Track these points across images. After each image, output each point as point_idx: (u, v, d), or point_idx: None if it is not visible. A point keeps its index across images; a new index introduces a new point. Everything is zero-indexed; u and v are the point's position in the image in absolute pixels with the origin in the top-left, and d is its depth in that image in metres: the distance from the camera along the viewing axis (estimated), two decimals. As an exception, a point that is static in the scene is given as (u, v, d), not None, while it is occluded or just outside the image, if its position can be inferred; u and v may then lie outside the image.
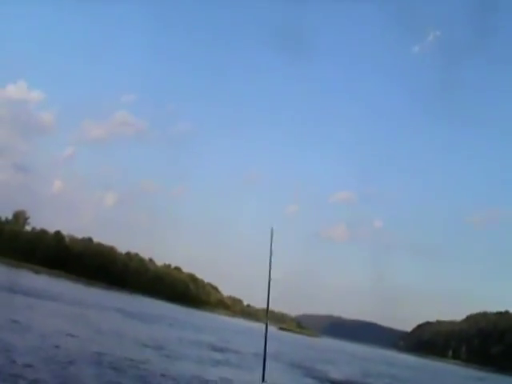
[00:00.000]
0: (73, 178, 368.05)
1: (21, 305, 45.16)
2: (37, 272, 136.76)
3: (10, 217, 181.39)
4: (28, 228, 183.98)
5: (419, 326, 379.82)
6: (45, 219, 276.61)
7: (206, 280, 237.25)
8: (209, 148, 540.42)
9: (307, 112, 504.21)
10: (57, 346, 25.55)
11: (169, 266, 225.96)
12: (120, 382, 20.59)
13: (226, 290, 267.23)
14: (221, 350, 46.84)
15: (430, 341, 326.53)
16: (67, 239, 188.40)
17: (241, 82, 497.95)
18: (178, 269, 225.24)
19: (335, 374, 45.77)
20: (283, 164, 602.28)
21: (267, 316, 4.80)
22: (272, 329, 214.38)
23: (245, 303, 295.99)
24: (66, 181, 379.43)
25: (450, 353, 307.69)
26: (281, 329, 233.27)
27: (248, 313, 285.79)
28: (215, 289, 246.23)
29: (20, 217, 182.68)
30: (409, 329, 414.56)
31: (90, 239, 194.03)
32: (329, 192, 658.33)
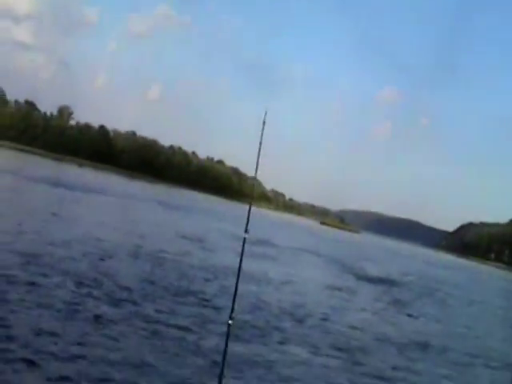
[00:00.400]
0: (116, 72, 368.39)
1: (64, 198, 45.77)
2: (81, 165, 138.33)
3: (54, 112, 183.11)
4: (72, 123, 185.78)
5: (462, 227, 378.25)
6: (89, 114, 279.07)
7: (249, 174, 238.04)
8: (252, 44, 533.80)
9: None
10: (97, 239, 25.88)
11: (212, 159, 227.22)
12: (158, 273, 20.87)
13: (269, 184, 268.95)
14: (260, 243, 47.28)
15: (473, 242, 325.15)
16: (111, 133, 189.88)
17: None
18: (221, 162, 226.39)
19: (374, 271, 45.97)
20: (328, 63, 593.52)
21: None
22: (314, 223, 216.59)
23: (287, 197, 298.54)
24: (109, 76, 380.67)
25: (493, 255, 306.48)
26: (322, 223, 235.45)
27: (290, 206, 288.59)
28: (258, 182, 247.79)
29: (64, 112, 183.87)
30: (451, 229, 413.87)
31: (133, 133, 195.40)
32: (375, 90, 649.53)
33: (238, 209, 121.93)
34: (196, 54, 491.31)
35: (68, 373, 9.51)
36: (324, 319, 20.38)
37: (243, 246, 5.76)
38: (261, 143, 5.81)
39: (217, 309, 17.03)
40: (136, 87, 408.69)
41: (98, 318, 13.19)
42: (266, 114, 5.67)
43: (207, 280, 22.02)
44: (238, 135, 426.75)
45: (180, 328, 13.96)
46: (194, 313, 15.96)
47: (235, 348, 13.11)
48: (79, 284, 16.04)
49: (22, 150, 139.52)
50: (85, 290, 15.48)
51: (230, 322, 5.67)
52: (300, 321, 19.03)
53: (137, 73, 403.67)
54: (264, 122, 5.71)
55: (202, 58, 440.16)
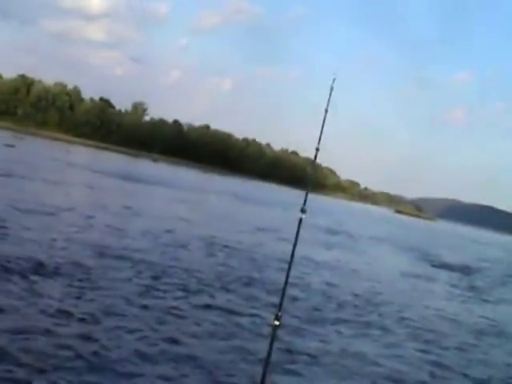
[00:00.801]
0: (189, 66, 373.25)
1: (137, 192, 46.73)
2: (155, 160, 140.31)
3: (129, 108, 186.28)
4: (147, 118, 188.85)
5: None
6: (163, 109, 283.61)
7: (324, 164, 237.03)
8: (325, 33, 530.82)
9: None
10: (169, 230, 26.19)
11: (286, 150, 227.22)
12: (231, 263, 20.92)
13: (344, 174, 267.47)
14: (337, 232, 47.12)
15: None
16: (185, 127, 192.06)
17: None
18: (295, 153, 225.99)
19: (450, 259, 45.09)
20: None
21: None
22: (389, 212, 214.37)
23: (362, 186, 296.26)
24: (182, 70, 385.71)
25: None
26: (397, 212, 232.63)
27: (366, 196, 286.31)
28: (333, 172, 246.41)
29: (139, 108, 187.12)
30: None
31: (207, 126, 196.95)
32: (448, 73, 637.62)
33: (313, 200, 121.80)
34: (268, 44, 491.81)
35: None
36: (401, 306, 20.13)
37: (298, 228, 5.02)
38: (327, 111, 5.42)
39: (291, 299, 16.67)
40: (209, 80, 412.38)
41: (172, 308, 13.29)
42: (334, 80, 5.34)
43: (279, 269, 21.90)
44: (313, 125, 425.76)
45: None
46: (263, 303, 15.77)
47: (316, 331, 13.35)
48: (153, 275, 16.26)
49: (97, 147, 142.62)
50: (158, 281, 15.67)
51: (276, 323, 4.74)
52: (376, 308, 18.82)
53: (209, 66, 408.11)
54: (332, 88, 5.35)
55: (274, 49, 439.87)
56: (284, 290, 4.88)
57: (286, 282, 4.89)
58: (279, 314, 4.71)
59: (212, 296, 15.43)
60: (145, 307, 12.90)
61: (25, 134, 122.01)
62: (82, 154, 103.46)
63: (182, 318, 12.81)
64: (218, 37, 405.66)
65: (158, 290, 14.77)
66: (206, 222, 34.49)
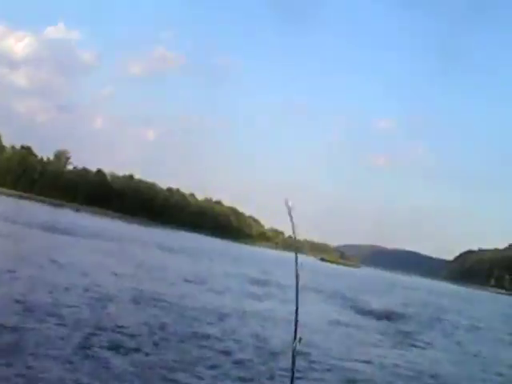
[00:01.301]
0: (114, 115, 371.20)
1: (60, 244, 45.42)
2: (78, 210, 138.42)
3: (51, 156, 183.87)
4: (70, 167, 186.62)
5: (461, 255, 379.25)
6: (86, 158, 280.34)
7: (248, 213, 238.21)
8: (248, 81, 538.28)
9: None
10: (96, 284, 25.56)
11: (210, 200, 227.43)
12: (160, 316, 20.59)
13: (268, 222, 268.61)
14: (263, 283, 46.90)
15: (473, 269, 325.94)
16: (109, 177, 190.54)
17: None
18: (219, 203, 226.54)
19: (376, 305, 45.52)
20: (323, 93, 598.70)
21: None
22: (313, 260, 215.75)
23: (286, 235, 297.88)
24: (106, 118, 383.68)
25: (493, 281, 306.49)
26: (322, 259, 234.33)
27: (290, 244, 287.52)
28: (257, 221, 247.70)
29: (61, 156, 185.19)
30: (451, 257, 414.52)
31: (131, 176, 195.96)
32: (371, 119, 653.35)
33: (237, 250, 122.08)
34: (192, 93, 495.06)
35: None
36: (331, 356, 20.01)
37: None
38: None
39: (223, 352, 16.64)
40: (133, 129, 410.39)
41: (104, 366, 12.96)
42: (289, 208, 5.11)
43: (211, 323, 21.56)
44: (235, 174, 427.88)
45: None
46: (201, 358, 15.51)
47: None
48: (83, 331, 15.82)
49: (20, 196, 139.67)
50: (89, 338, 15.26)
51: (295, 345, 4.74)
52: (308, 357, 18.53)
53: (133, 115, 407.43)
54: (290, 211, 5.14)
55: (199, 97, 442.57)
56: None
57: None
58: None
59: (144, 353, 15.07)
60: (76, 369, 12.41)
61: None
62: (3, 203, 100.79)
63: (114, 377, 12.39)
64: (143, 85, 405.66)
65: (89, 348, 14.29)
66: (133, 274, 33.76)
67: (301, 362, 17.56)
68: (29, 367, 11.81)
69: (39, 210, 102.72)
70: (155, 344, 16.34)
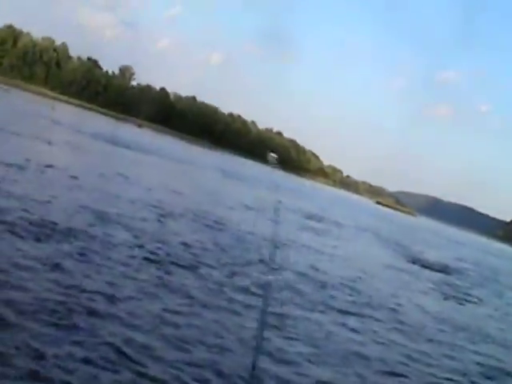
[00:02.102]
0: (180, 36, 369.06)
1: (124, 157, 45.73)
2: (140, 126, 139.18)
3: (116, 71, 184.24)
4: (134, 83, 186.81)
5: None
6: (150, 75, 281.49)
7: (307, 148, 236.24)
8: (316, 15, 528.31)
9: None
10: (160, 201, 25.42)
11: (271, 130, 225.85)
12: (220, 238, 20.80)
13: (327, 159, 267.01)
14: (320, 219, 46.10)
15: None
16: (172, 96, 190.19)
17: None
18: (279, 133, 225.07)
19: (430, 256, 44.31)
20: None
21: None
22: (369, 202, 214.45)
23: (344, 174, 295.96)
24: (173, 38, 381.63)
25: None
26: (378, 203, 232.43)
27: (347, 184, 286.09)
28: (316, 157, 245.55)
29: (126, 72, 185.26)
30: (508, 219, 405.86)
31: (193, 98, 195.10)
32: (436, 69, 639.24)
33: (295, 182, 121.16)
34: (257, 20, 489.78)
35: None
36: (385, 298, 19.97)
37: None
38: None
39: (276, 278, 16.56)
40: (198, 51, 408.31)
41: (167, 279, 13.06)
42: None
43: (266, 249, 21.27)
44: (299, 107, 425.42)
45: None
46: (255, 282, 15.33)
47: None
48: (147, 242, 16.04)
49: (82, 107, 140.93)
50: (154, 250, 15.39)
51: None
52: (361, 296, 18.59)
53: (200, 37, 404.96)
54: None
55: (265, 25, 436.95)
56: None
57: None
58: None
59: (205, 271, 15.05)
60: (143, 280, 12.44)
61: (10, 86, 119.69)
62: (68, 112, 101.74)
63: (175, 292, 12.37)
64: (211, 7, 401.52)
65: (153, 260, 14.36)
66: (194, 195, 34.22)
67: (352, 298, 17.79)
68: (97, 271, 12.02)
69: (102, 122, 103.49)
70: (216, 263, 16.42)
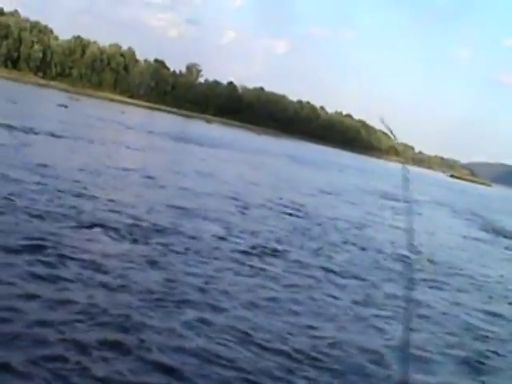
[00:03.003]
0: (244, 27, 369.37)
1: (196, 153, 46.36)
2: (209, 122, 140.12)
3: (183, 70, 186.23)
4: (201, 80, 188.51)
5: None
6: (217, 70, 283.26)
7: (377, 127, 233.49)
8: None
9: None
10: (238, 192, 26.11)
11: (340, 113, 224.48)
12: (301, 223, 21.26)
13: (398, 137, 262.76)
14: (397, 197, 45.92)
15: None
16: (239, 89, 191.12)
17: None
18: (349, 116, 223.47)
19: (509, 226, 43.55)
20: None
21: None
22: (443, 176, 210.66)
23: (416, 150, 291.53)
24: (237, 31, 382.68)
25: None
26: (451, 176, 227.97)
27: (419, 160, 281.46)
28: (386, 135, 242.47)
29: (193, 69, 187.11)
30: None
31: (261, 88, 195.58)
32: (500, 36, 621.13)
33: (367, 163, 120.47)
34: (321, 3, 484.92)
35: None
36: (460, 266, 19.98)
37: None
38: None
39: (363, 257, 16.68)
40: (263, 41, 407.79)
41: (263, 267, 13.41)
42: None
43: (348, 231, 21.85)
44: (366, 88, 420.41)
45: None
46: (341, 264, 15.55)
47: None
48: (232, 233, 16.49)
49: (151, 108, 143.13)
50: (241, 240, 15.89)
51: None
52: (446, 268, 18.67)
53: (263, 26, 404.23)
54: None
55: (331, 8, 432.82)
56: None
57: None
58: None
59: (299, 258, 15.30)
60: (242, 271, 12.84)
61: (80, 94, 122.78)
62: (138, 115, 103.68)
63: (276, 280, 12.64)
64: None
65: (247, 252, 14.66)
66: (270, 184, 34.41)
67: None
68: (195, 264, 12.42)
69: (172, 121, 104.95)
70: (301, 248, 16.69)
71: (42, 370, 6.70)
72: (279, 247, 15.88)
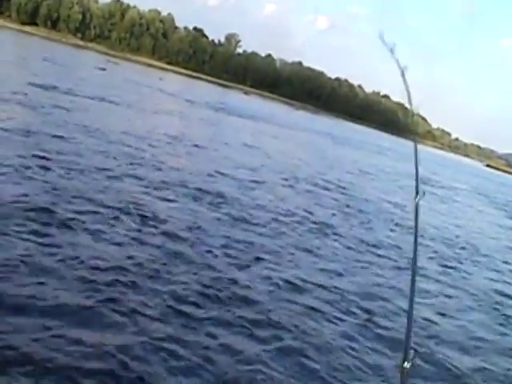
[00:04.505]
0: (285, 1, 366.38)
1: (240, 126, 46.18)
2: (246, 93, 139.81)
3: (222, 40, 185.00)
4: (239, 50, 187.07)
5: None
6: (256, 42, 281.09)
7: (415, 110, 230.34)
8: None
9: None
10: (283, 166, 26.33)
11: (378, 93, 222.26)
12: (345, 200, 21.50)
13: (435, 122, 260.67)
14: (432, 183, 44.66)
15: None
16: (278, 62, 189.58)
17: None
18: (386, 97, 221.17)
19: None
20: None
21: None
22: (479, 165, 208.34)
23: (453, 136, 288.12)
24: (278, 4, 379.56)
25: None
26: (488, 166, 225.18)
27: (456, 147, 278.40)
28: (424, 119, 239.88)
29: (232, 39, 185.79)
30: None
31: (300, 63, 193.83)
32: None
33: (403, 146, 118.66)
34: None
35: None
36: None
37: (416, 215, 3.45)
38: None
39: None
40: (304, 16, 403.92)
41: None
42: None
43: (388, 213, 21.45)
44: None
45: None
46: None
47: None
48: (282, 207, 16.64)
49: (189, 76, 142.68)
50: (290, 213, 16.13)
51: (405, 364, 2.95)
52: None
53: (305, 2, 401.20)
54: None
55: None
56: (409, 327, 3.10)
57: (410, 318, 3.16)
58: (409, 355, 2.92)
59: (341, 231, 15.71)
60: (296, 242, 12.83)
61: (118, 58, 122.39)
62: (175, 82, 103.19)
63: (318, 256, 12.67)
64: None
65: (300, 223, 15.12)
66: (313, 161, 34.24)
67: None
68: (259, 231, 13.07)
69: (209, 91, 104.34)
70: (348, 226, 16.97)
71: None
72: (334, 223, 16.35)
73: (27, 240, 8.70)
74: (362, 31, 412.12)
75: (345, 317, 9.37)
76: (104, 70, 67.52)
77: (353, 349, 8.31)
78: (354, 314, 9.64)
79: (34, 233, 9.08)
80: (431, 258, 15.82)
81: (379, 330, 9.28)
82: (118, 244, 9.66)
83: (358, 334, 8.82)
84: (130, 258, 9.14)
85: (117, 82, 56.00)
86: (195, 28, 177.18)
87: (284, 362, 7.31)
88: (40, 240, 8.84)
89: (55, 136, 17.53)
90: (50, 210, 10.36)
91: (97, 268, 8.39)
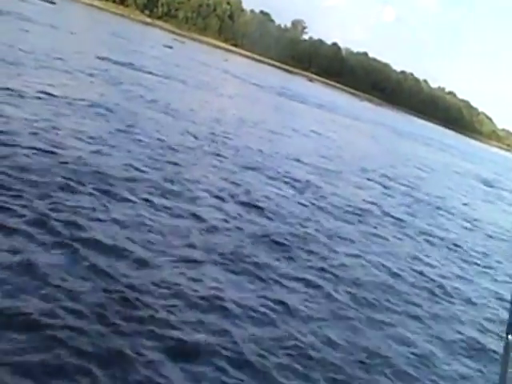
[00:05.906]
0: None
1: (305, 113, 46.32)
2: (311, 80, 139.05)
3: (288, 25, 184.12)
4: (305, 37, 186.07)
5: None
6: (322, 30, 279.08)
7: (481, 109, 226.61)
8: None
9: None
10: (352, 157, 26.68)
11: (443, 89, 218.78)
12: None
13: (501, 123, 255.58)
14: (491, 185, 43.35)
15: None
16: (343, 51, 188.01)
17: None
18: (452, 94, 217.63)
19: None
20: None
21: None
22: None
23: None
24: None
25: None
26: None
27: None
28: (489, 119, 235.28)
29: (298, 25, 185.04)
30: None
31: (365, 53, 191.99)
32: None
33: (467, 144, 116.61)
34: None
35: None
36: None
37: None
38: None
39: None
40: (372, 6, 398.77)
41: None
42: None
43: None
44: (474, 67, 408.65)
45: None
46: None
47: None
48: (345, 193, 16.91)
49: (253, 59, 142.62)
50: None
51: (510, 337, 3.02)
52: None
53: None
54: None
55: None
56: None
57: None
58: None
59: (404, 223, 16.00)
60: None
61: (185, 37, 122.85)
62: (239, 64, 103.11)
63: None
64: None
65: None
66: (380, 155, 34.03)
67: None
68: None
69: (275, 76, 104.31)
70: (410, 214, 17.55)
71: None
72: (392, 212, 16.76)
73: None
74: (432, 26, 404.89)
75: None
76: (171, 48, 67.99)
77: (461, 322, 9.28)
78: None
79: (145, 200, 9.98)
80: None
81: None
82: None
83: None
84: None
85: (184, 61, 56.40)
86: (262, 12, 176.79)
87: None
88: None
89: (138, 113, 18.30)
90: (157, 182, 11.37)
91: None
